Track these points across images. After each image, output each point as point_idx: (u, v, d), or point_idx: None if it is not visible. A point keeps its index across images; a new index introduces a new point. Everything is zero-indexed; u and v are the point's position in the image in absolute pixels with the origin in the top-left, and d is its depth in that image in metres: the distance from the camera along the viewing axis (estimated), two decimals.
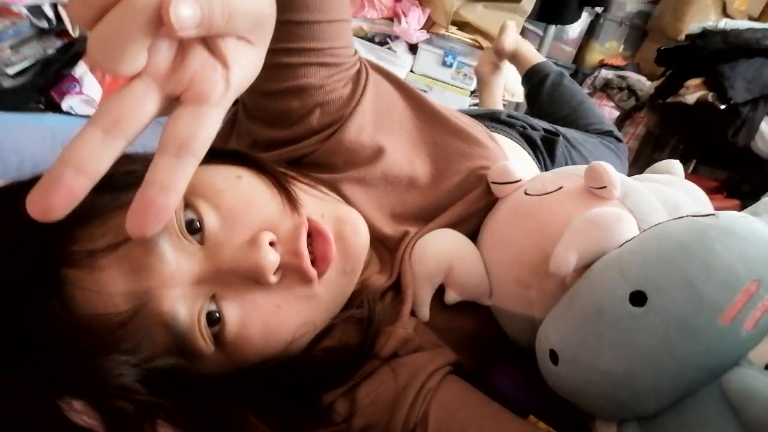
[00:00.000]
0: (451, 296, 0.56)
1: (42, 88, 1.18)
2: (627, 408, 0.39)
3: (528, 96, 1.25)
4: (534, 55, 1.26)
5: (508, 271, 0.54)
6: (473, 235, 0.59)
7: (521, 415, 0.46)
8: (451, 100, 2.13)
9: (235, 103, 0.63)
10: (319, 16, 0.53)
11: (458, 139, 0.62)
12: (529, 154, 0.92)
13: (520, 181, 0.58)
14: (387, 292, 0.55)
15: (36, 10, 1.11)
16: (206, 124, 0.27)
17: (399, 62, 2.10)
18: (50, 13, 1.13)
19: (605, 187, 0.51)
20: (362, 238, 0.48)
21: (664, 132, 2.12)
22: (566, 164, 0.98)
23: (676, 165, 0.86)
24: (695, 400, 0.36)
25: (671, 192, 0.69)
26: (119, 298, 0.37)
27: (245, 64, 0.29)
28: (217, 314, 0.40)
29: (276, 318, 0.42)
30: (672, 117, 2.01)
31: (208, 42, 0.28)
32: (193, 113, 0.27)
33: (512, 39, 1.27)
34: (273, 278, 0.41)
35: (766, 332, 0.35)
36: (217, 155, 0.47)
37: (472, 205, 0.59)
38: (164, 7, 0.23)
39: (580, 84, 2.74)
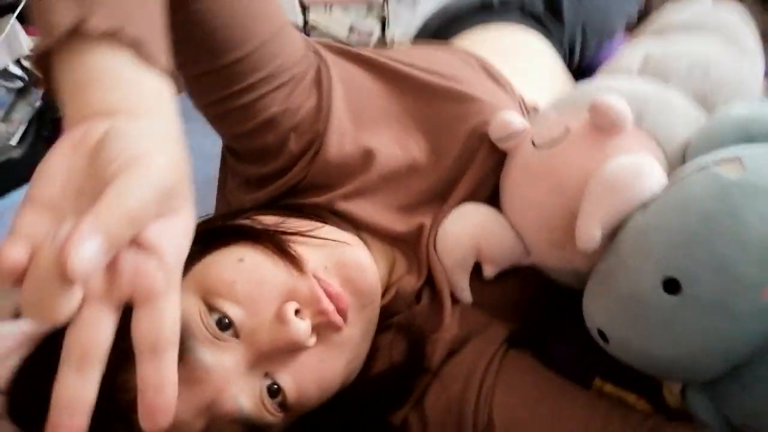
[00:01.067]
0: (489, 270, 0.55)
1: (49, 140, 1.19)
2: (685, 378, 0.39)
3: None
4: None
5: (538, 234, 0.51)
6: (493, 197, 0.56)
7: (585, 379, 0.47)
8: None
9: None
10: (251, 45, 0.48)
11: (446, 101, 0.56)
12: (540, 33, 0.82)
13: (524, 129, 0.53)
14: (422, 291, 0.55)
15: (5, 74, 1.08)
16: (166, 316, 0.27)
17: None
18: (18, 71, 1.10)
19: (614, 124, 0.46)
20: (369, 273, 0.49)
21: None
22: (577, 21, 0.87)
23: None
24: (753, 364, 0.35)
25: (695, 49, 0.61)
26: (190, 421, 0.40)
27: (174, 237, 0.28)
28: (276, 386, 0.43)
29: (324, 370, 0.45)
30: None
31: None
32: (148, 312, 0.27)
33: None
34: (311, 341, 0.43)
35: None
36: (212, 241, 0.47)
37: (482, 170, 0.55)
38: (64, 268, 0.23)
39: None
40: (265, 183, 0.55)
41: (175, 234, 0.28)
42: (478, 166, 0.55)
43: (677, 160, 0.47)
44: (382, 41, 2.02)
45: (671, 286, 0.35)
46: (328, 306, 0.44)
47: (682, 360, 0.36)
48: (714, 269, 0.33)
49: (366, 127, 0.55)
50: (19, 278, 0.24)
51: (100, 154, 0.27)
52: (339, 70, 0.56)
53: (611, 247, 0.41)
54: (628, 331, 0.39)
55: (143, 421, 0.26)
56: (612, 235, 0.43)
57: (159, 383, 0.26)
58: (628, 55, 0.63)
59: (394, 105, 0.56)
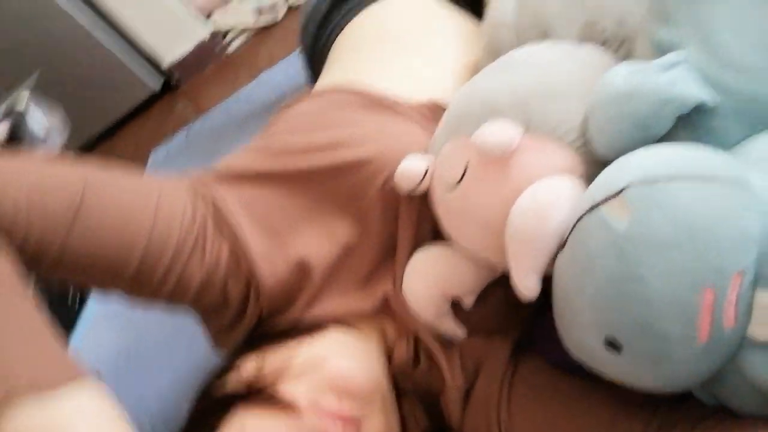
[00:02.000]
0: (467, 302, 0.54)
1: None
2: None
3: None
4: None
5: (497, 250, 0.50)
6: (437, 233, 0.53)
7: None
8: None
9: None
10: (139, 245, 0.48)
11: (345, 175, 0.53)
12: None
13: (426, 171, 0.50)
14: (417, 352, 0.55)
15: None
16: None
17: None
18: None
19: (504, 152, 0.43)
20: (358, 376, 0.50)
21: None
22: None
23: None
24: (726, 373, 0.34)
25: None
26: None
27: None
28: None
29: None
30: None
31: None
32: None
33: None
34: None
35: (749, 313, 0.30)
36: (213, 420, 0.49)
37: (412, 218, 0.53)
38: None
39: None
40: (231, 330, 0.57)
41: None
42: (407, 217, 0.54)
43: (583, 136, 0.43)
44: (289, 9, 1.91)
45: (613, 345, 0.34)
46: (336, 429, 0.46)
47: (659, 389, 0.36)
48: (640, 331, 0.32)
49: (286, 239, 0.54)
50: None
51: None
52: (235, 198, 0.54)
53: (553, 291, 0.40)
54: (595, 367, 0.38)
55: None
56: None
57: None
58: (501, 5, 0.57)
59: (300, 202, 0.55)
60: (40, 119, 1.27)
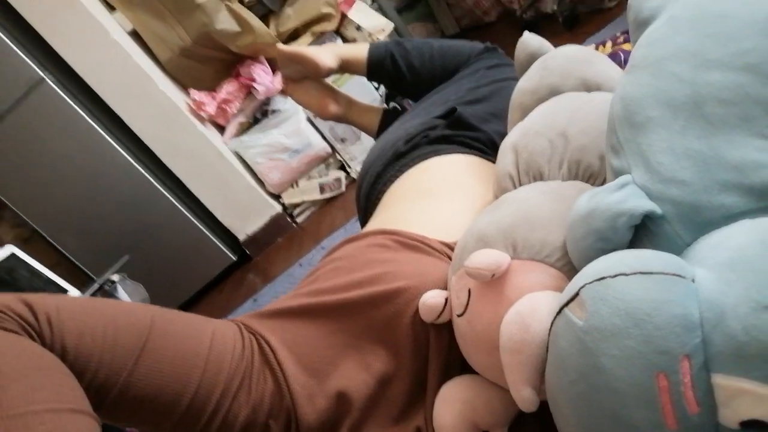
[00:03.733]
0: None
1: None
2: None
3: (394, 87, 1.15)
4: (359, 50, 1.15)
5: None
6: (465, 365, 0.56)
7: None
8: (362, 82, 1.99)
9: None
10: (194, 382, 0.52)
11: (379, 306, 0.58)
12: (453, 151, 0.87)
13: (446, 301, 0.55)
14: None
15: None
16: None
17: (290, 112, 2.05)
18: None
19: (493, 275, 0.48)
20: None
21: None
22: (485, 114, 0.92)
23: (529, 42, 0.79)
24: None
25: (548, 121, 0.64)
26: None
27: None
28: None
29: None
30: None
31: None
32: None
33: (329, 52, 1.18)
34: None
35: (712, 397, 0.31)
36: None
37: (441, 349, 0.57)
38: None
39: None
40: None
41: None
42: (436, 348, 0.57)
43: (567, 259, 0.48)
44: (352, 181, 2.13)
45: None
46: None
47: None
48: (613, 422, 0.33)
49: (326, 373, 0.58)
50: None
51: None
52: (277, 336, 0.59)
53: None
54: None
55: None
56: None
57: None
58: (502, 155, 0.66)
59: (339, 336, 0.59)
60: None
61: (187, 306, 2.16)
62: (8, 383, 0.42)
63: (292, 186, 2.18)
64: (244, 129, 2.11)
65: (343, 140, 2.09)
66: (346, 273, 0.63)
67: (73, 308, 0.50)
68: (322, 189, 2.17)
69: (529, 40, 0.79)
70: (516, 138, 0.65)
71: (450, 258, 0.65)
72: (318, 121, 2.07)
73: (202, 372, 0.53)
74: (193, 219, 2.10)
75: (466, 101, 0.94)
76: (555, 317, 0.39)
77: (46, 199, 1.98)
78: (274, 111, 2.06)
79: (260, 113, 2.09)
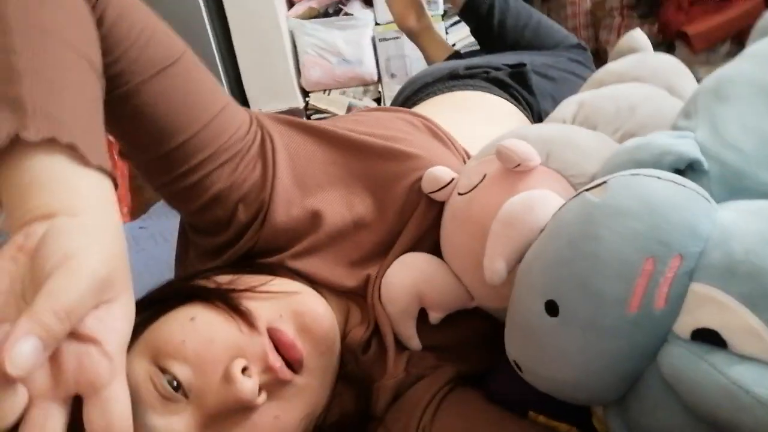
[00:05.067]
0: (434, 316, 0.56)
1: None
2: (595, 400, 0.39)
3: (477, 32, 1.14)
4: None
5: (474, 277, 0.53)
6: (436, 249, 0.58)
7: (522, 412, 0.47)
8: None
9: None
10: (194, 128, 0.53)
11: (386, 161, 0.59)
12: (502, 96, 0.88)
13: (452, 180, 0.56)
14: (370, 341, 0.56)
15: None
16: (114, 403, 0.29)
17: (360, 23, 2.03)
18: None
19: (520, 164, 0.49)
20: (324, 319, 0.50)
21: None
22: (545, 92, 0.92)
23: (638, 38, 0.80)
24: (644, 384, 0.35)
25: (625, 92, 0.65)
26: None
27: (114, 325, 0.30)
28: None
29: (279, 426, 0.45)
30: None
31: (70, 333, 0.28)
32: (97, 403, 0.28)
33: None
34: (260, 400, 0.43)
35: (681, 302, 0.33)
36: (165, 304, 0.49)
37: (423, 222, 0.58)
38: (2, 368, 0.24)
39: None
40: (219, 252, 0.58)
41: (114, 321, 0.30)
42: (419, 219, 0.58)
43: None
44: None
45: (552, 308, 0.36)
46: (275, 362, 0.45)
47: (577, 383, 0.37)
48: (579, 288, 0.34)
49: (312, 191, 0.58)
50: None
51: (37, 257, 0.29)
52: (284, 140, 0.59)
53: (513, 286, 0.43)
54: (530, 359, 0.40)
55: None
56: None
57: None
58: (566, 105, 0.67)
59: (338, 167, 0.60)
60: None
61: None
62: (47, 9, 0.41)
63: (324, 92, 2.16)
64: (311, 15, 2.08)
65: (392, 75, 2.08)
66: (367, 125, 0.64)
67: None
68: (349, 109, 2.16)
69: (639, 36, 0.79)
70: (584, 96, 0.66)
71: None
72: (380, 46, 2.05)
73: (203, 125, 0.53)
74: (222, 74, 2.07)
75: (535, 71, 0.95)
76: (570, 200, 0.40)
77: None
78: (346, 13, 2.04)
79: (333, 8, 2.06)
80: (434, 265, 0.57)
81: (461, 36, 2.02)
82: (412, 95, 0.94)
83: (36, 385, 0.27)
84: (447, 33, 2.04)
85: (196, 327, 0.45)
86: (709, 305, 0.32)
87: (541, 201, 0.44)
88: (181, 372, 0.43)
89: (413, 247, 0.58)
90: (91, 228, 0.32)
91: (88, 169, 0.35)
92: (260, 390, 0.43)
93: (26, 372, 0.25)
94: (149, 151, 0.53)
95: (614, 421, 0.39)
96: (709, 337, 0.32)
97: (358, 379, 0.53)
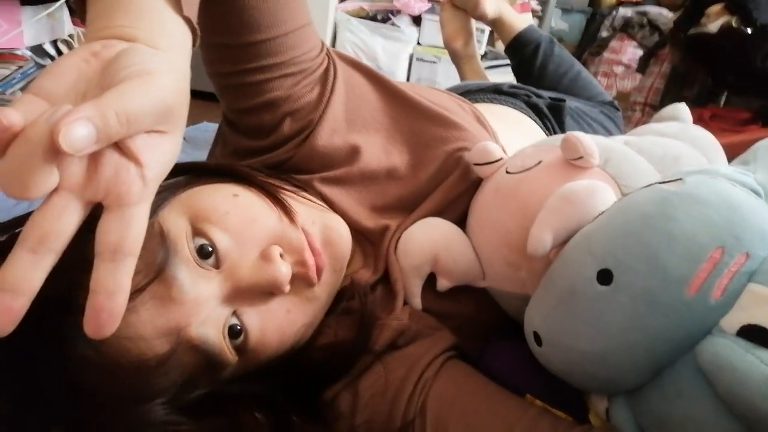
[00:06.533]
0: (443, 284, 0.56)
1: None
2: (610, 384, 0.39)
3: (518, 70, 1.18)
4: (518, 20, 1.17)
5: (497, 254, 0.53)
6: (461, 220, 0.59)
7: (518, 394, 0.47)
8: None
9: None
10: (275, 31, 0.53)
11: (434, 124, 0.61)
12: (536, 122, 0.90)
13: (501, 159, 0.57)
14: (376, 285, 0.56)
15: (38, 50, 1.14)
16: (133, 224, 0.28)
17: (404, 37, 2.06)
18: (52, 51, 1.16)
19: (581, 157, 0.50)
20: (346, 241, 0.51)
21: (690, 68, 2.01)
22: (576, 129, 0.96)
23: (682, 109, 0.83)
24: (673, 371, 0.36)
25: (670, 144, 0.67)
26: (153, 340, 0.39)
27: (159, 155, 0.30)
28: (239, 327, 0.43)
29: (288, 321, 0.45)
30: (696, 50, 1.91)
31: (118, 143, 0.28)
32: (117, 217, 0.28)
33: (494, 3, 1.21)
34: (288, 288, 0.44)
35: (735, 299, 0.34)
36: (208, 174, 0.49)
37: (453, 190, 0.59)
38: (55, 138, 0.24)
39: (599, 27, 2.63)
40: (251, 155, 0.58)
41: (161, 152, 0.30)
42: (450, 186, 0.59)
43: None
44: None
45: (605, 277, 0.37)
46: (309, 258, 0.46)
47: (607, 357, 0.37)
48: (644, 259, 0.35)
49: (357, 128, 0.60)
50: (3, 146, 0.25)
51: (113, 64, 0.29)
52: (345, 75, 0.61)
53: (559, 253, 0.43)
54: (558, 327, 0.40)
55: (87, 323, 0.27)
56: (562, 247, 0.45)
57: (112, 288, 0.27)
58: (613, 139, 0.69)
59: (386, 116, 0.62)
60: None
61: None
62: None
63: None
64: (359, 15, 2.11)
65: None
66: (422, 91, 0.66)
67: None
68: None
69: (683, 108, 0.83)
70: (630, 138, 0.69)
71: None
72: (416, 65, 2.09)
73: (285, 32, 0.54)
74: None
75: (569, 113, 0.98)
76: (639, 189, 0.41)
77: None
78: (394, 24, 2.08)
79: (382, 15, 2.10)
80: (456, 234, 0.57)
81: (496, 80, 2.07)
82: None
83: (68, 175, 0.27)
84: None
85: (239, 203, 0.45)
86: (764, 305, 0.32)
87: (604, 190, 0.45)
88: (221, 239, 0.43)
89: (437, 213, 0.59)
90: (169, 61, 0.32)
91: (178, 16, 0.35)
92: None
93: (73, 151, 0.24)
94: (227, 36, 0.53)
95: (620, 412, 0.39)
96: (756, 336, 0.32)
97: (363, 312, 0.52)
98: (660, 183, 0.40)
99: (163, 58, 0.32)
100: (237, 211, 0.45)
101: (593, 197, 0.44)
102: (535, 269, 0.50)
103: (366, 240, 0.59)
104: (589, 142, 0.50)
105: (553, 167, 0.52)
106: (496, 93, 0.94)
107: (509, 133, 0.78)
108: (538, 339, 0.42)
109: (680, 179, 0.38)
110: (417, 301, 0.56)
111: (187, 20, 0.36)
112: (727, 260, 0.34)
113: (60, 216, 0.26)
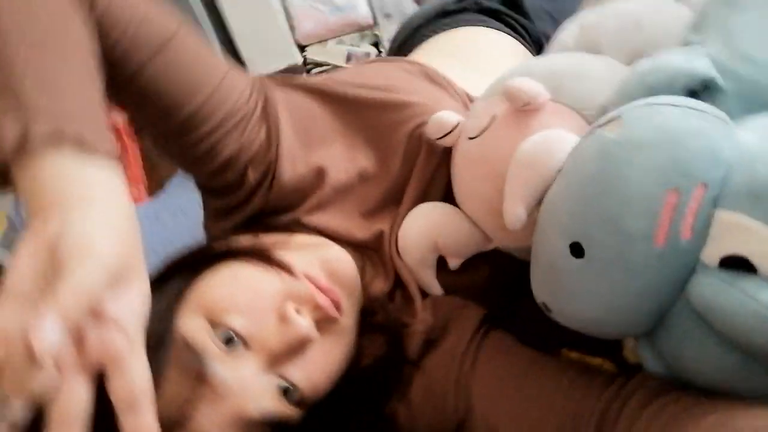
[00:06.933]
0: (453, 262, 0.57)
1: None
2: (624, 334, 0.40)
3: None
4: None
5: (487, 221, 0.53)
6: (448, 191, 0.57)
7: (553, 351, 0.48)
8: None
9: None
10: (199, 98, 0.53)
11: (384, 111, 0.59)
12: (498, 29, 0.85)
13: (458, 124, 0.55)
14: (394, 292, 0.57)
15: None
16: (134, 374, 0.31)
17: None
18: None
19: (529, 103, 0.47)
20: (348, 264, 0.53)
21: None
22: (540, 10, 0.89)
23: None
24: (675, 314, 0.35)
25: (629, 8, 0.62)
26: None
27: (130, 306, 0.32)
28: (289, 386, 0.46)
29: (329, 360, 0.49)
30: None
31: (91, 315, 0.31)
32: (119, 375, 0.31)
33: None
34: (316, 334, 0.46)
35: (707, 231, 0.33)
36: (200, 265, 0.51)
37: (426, 170, 0.58)
38: (31, 354, 0.27)
39: None
40: (230, 213, 0.60)
41: (131, 301, 0.33)
42: (422, 167, 0.58)
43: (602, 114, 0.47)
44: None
45: (577, 250, 0.36)
46: (323, 300, 0.48)
47: (607, 320, 0.37)
48: (605, 227, 0.34)
49: (314, 148, 0.59)
50: None
51: (57, 247, 0.31)
52: (284, 100, 0.59)
53: (536, 227, 0.43)
54: (557, 299, 0.40)
55: None
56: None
57: (141, 429, 0.30)
58: (566, 30, 0.64)
59: (338, 123, 0.60)
60: None
61: None
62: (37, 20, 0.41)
63: (320, 43, 2.11)
64: None
65: (387, 16, 2.01)
66: (365, 77, 0.63)
67: None
68: (348, 58, 2.11)
69: None
70: (585, 16, 0.63)
71: (466, 106, 0.65)
72: None
73: (208, 95, 0.53)
74: (216, 41, 2.02)
75: None
76: (582, 138, 0.39)
77: None
78: None
79: None
80: (447, 212, 0.57)
81: None
82: (406, 41, 0.91)
83: (64, 362, 0.30)
84: None
85: (241, 282, 0.48)
86: (736, 232, 0.31)
87: (558, 140, 0.43)
88: (239, 323, 0.45)
89: (423, 196, 0.58)
90: (102, 214, 0.34)
91: (96, 156, 0.36)
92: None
93: (52, 353, 0.28)
94: (160, 124, 0.54)
95: (646, 351, 0.40)
96: (738, 264, 0.31)
97: (388, 327, 0.54)
98: (600, 126, 0.37)
99: (94, 217, 0.33)
100: (241, 292, 0.47)
101: (550, 153, 0.42)
102: (531, 223, 0.49)
103: (368, 249, 0.60)
104: (529, 84, 0.47)
105: (507, 121, 0.50)
106: (446, 16, 0.88)
107: (471, 67, 0.75)
108: (546, 307, 0.43)
109: (619, 117, 0.36)
110: (436, 289, 0.57)
111: (105, 153, 0.37)
112: (685, 199, 0.32)
113: (71, 396, 0.30)
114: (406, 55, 0.89)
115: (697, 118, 0.33)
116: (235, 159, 0.56)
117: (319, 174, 0.58)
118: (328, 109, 0.60)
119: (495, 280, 0.58)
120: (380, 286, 0.57)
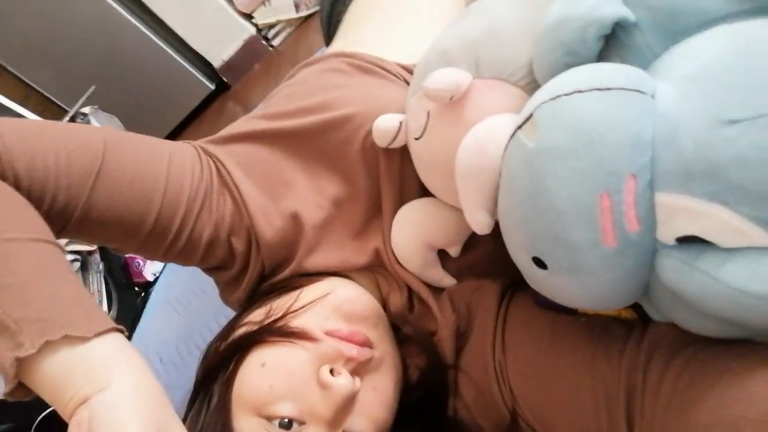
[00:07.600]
0: (453, 251, 0.57)
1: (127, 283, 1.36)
2: (623, 305, 0.39)
3: None
4: None
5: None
6: (424, 189, 0.56)
7: (571, 310, 0.48)
8: None
9: None
10: (155, 204, 0.52)
11: (328, 132, 0.57)
12: None
13: (401, 124, 0.53)
14: (411, 302, 0.58)
15: None
16: None
17: None
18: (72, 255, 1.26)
19: (453, 96, 0.45)
20: (361, 299, 0.54)
21: None
22: None
23: None
24: (654, 292, 0.35)
25: None
26: None
27: None
28: None
29: (381, 395, 0.51)
30: None
31: None
32: None
33: None
34: (358, 385, 0.48)
35: (654, 215, 0.31)
36: (228, 365, 0.53)
37: (392, 176, 0.56)
38: None
39: None
40: (237, 282, 0.61)
41: None
42: (387, 172, 0.57)
43: (532, 77, 0.44)
44: None
45: (540, 263, 0.36)
46: (350, 351, 0.49)
47: (594, 305, 0.37)
48: (554, 243, 0.33)
49: (281, 193, 0.58)
50: None
51: None
52: (233, 159, 0.58)
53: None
54: (544, 293, 0.40)
55: None
56: None
57: None
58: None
59: (291, 159, 0.58)
60: None
61: (170, 138, 2.13)
62: None
63: (263, 4, 2.01)
64: None
65: None
66: (299, 98, 0.60)
67: (21, 132, 0.47)
68: (297, 6, 2.00)
69: None
70: None
71: (407, 82, 0.61)
72: None
73: (163, 193, 0.53)
74: (162, 45, 1.97)
75: None
76: (509, 141, 0.37)
77: (8, 31, 1.83)
78: None
79: None
80: (428, 209, 0.56)
81: None
82: (331, 11, 0.86)
83: None
84: None
85: (270, 369, 0.49)
86: (680, 213, 0.30)
87: (489, 136, 0.41)
88: (287, 409, 0.47)
89: (401, 199, 0.58)
90: (122, 394, 0.36)
91: (91, 342, 0.38)
92: (353, 377, 0.48)
93: None
94: (132, 242, 0.54)
95: (649, 309, 0.40)
96: (694, 239, 0.30)
97: (418, 337, 0.56)
98: (519, 129, 0.35)
99: (114, 398, 0.36)
100: (275, 377, 0.48)
101: (486, 154, 0.41)
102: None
103: (375, 268, 0.60)
104: (446, 78, 0.44)
105: (441, 116, 0.47)
106: None
107: (395, 21, 0.71)
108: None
109: (531, 117, 0.34)
110: (447, 280, 0.58)
111: (98, 334, 0.39)
112: (619, 197, 0.31)
113: None
114: (335, 29, 0.84)
115: (609, 102, 0.31)
116: (215, 238, 0.56)
117: (295, 220, 0.57)
118: (276, 149, 0.58)
119: (501, 247, 0.58)
120: (397, 299, 0.58)
